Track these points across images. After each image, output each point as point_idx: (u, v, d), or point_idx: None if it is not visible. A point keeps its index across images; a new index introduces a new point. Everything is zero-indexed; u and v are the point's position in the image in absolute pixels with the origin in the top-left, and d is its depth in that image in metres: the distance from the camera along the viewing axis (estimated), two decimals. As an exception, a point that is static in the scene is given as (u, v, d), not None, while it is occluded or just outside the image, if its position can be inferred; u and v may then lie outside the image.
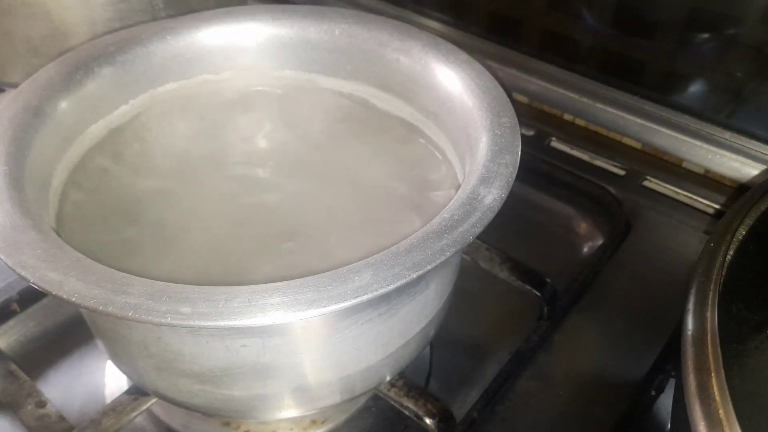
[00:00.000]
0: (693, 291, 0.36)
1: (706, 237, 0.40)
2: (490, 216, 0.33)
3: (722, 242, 0.38)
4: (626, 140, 0.66)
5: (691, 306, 0.35)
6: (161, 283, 0.29)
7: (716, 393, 0.30)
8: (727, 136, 0.59)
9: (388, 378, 0.41)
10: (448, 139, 0.44)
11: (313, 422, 0.44)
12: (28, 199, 0.34)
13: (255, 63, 0.49)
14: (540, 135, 0.67)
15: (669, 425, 0.45)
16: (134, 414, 0.42)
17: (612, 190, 0.60)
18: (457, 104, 0.42)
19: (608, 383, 0.46)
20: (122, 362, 0.39)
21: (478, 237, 0.32)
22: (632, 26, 0.61)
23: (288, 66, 0.49)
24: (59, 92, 0.41)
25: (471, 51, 0.44)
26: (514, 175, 0.35)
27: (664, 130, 0.62)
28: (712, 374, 0.31)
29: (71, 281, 0.29)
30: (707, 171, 0.62)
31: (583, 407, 0.45)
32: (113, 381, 0.46)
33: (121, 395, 0.43)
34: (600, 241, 0.57)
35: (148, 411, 0.44)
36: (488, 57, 0.69)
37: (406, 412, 0.43)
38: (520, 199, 0.61)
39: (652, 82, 0.62)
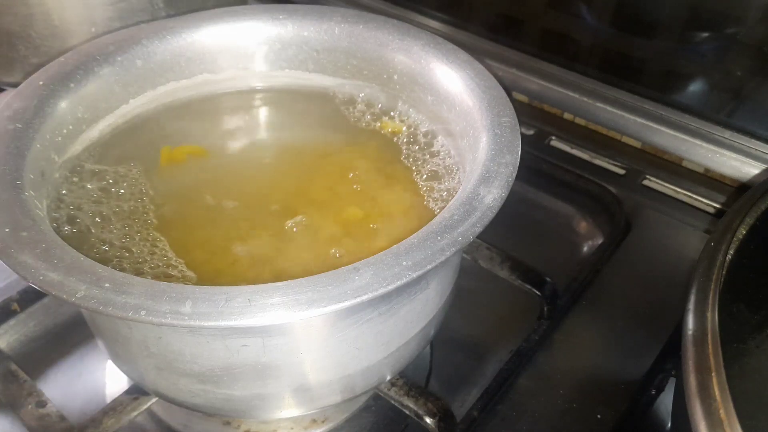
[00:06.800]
0: (693, 290, 0.36)
1: (707, 236, 0.40)
2: (490, 216, 0.33)
3: (723, 241, 0.38)
4: (626, 139, 0.66)
5: (691, 305, 0.35)
6: (161, 283, 0.29)
7: (717, 392, 0.30)
8: (727, 135, 0.59)
9: (388, 377, 0.41)
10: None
11: (314, 421, 0.44)
12: (28, 199, 0.34)
13: (255, 63, 0.49)
14: (540, 134, 0.67)
15: (669, 424, 0.45)
16: (135, 413, 0.42)
17: (612, 189, 0.60)
18: (457, 103, 0.42)
19: (608, 382, 0.46)
20: (123, 362, 0.39)
21: (479, 236, 0.32)
22: (632, 25, 0.61)
23: (288, 66, 0.49)
24: (59, 92, 0.41)
25: (471, 50, 0.45)
26: (514, 175, 0.35)
27: (663, 129, 0.62)
28: (713, 374, 0.31)
29: (71, 281, 0.29)
30: (707, 170, 0.62)
31: (583, 406, 0.45)
32: (113, 381, 0.46)
33: (121, 395, 0.43)
34: (600, 240, 0.57)
35: (149, 410, 0.44)
36: (488, 56, 0.69)
37: (407, 412, 0.43)
38: (521, 198, 0.61)
39: (652, 81, 0.62)
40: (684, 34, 0.58)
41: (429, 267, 0.30)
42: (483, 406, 0.44)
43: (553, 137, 0.67)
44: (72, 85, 0.42)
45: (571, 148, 0.66)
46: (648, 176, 0.63)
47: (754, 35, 0.55)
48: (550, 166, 0.63)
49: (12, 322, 0.49)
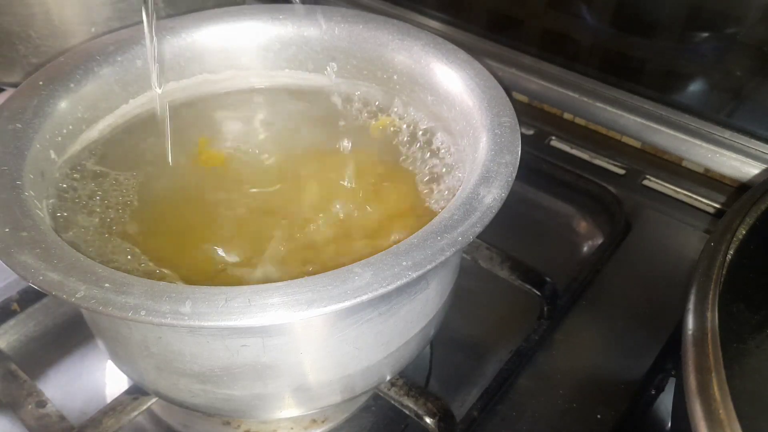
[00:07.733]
0: (693, 290, 0.36)
1: (707, 236, 0.40)
2: (490, 216, 0.33)
3: (723, 241, 0.38)
4: (626, 139, 0.66)
5: (691, 305, 0.35)
6: (161, 283, 0.29)
7: (717, 392, 0.30)
8: (727, 135, 0.59)
9: (388, 377, 0.41)
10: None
11: (314, 421, 0.44)
12: (28, 199, 0.34)
13: (255, 63, 0.49)
14: (540, 134, 0.67)
15: (669, 424, 0.45)
16: (135, 413, 0.42)
17: (612, 189, 0.60)
18: (457, 103, 0.42)
19: (608, 382, 0.46)
20: (122, 362, 0.39)
21: (479, 236, 0.32)
22: (632, 25, 0.61)
23: (288, 65, 0.49)
24: (59, 92, 0.41)
25: (471, 50, 0.44)
26: (514, 175, 0.35)
27: (663, 129, 0.62)
28: (713, 374, 0.31)
29: (71, 281, 0.29)
30: (707, 170, 0.62)
31: (583, 406, 0.45)
32: (113, 381, 0.46)
33: (121, 395, 0.43)
34: (600, 240, 0.57)
35: (149, 410, 0.44)
36: (488, 56, 0.69)
37: (407, 412, 0.43)
38: (520, 198, 0.61)
39: (652, 81, 0.62)
40: (684, 34, 0.58)
41: (429, 267, 0.30)
42: (483, 406, 0.44)
43: (553, 137, 0.67)
44: (72, 85, 0.42)
45: (571, 148, 0.66)
46: (648, 176, 0.63)
47: (754, 35, 0.55)
48: (550, 166, 0.63)
49: (12, 322, 0.49)
